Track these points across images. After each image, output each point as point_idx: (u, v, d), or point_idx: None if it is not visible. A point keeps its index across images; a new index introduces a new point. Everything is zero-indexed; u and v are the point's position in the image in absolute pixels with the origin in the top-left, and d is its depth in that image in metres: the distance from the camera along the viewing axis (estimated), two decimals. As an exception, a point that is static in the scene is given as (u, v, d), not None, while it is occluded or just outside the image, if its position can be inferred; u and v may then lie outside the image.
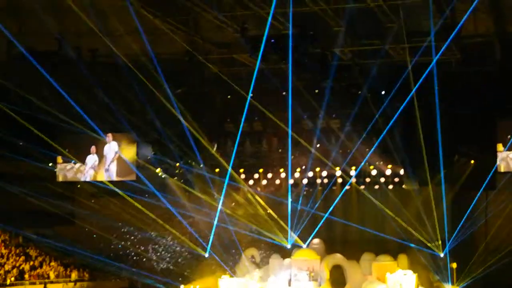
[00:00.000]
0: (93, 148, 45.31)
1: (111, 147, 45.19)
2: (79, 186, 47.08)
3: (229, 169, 43.25)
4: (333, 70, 38.51)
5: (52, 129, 41.35)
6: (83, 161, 45.14)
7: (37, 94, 38.31)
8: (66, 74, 39.17)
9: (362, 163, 43.78)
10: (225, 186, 44.66)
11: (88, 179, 45.21)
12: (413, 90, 37.17)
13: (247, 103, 39.45)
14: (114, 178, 44.56)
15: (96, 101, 40.57)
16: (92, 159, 45.42)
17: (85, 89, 40.09)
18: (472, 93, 37.93)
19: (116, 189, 44.12)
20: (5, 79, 37.00)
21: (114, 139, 44.63)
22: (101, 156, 44.90)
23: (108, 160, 44.97)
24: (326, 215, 44.46)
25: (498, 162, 39.86)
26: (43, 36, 37.92)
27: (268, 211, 45.45)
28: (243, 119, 40.76)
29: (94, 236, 46.19)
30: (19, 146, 41.98)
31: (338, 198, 44.78)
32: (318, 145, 44.39)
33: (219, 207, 44.28)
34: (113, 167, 44.87)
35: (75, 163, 45.28)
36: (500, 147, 39.67)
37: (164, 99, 40.12)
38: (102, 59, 39.34)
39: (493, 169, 40.27)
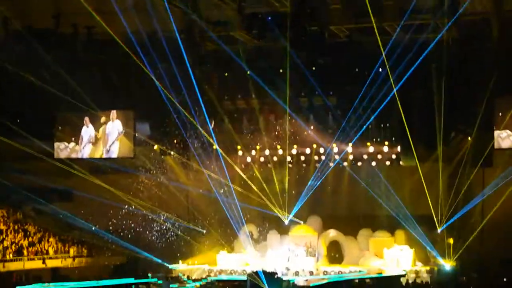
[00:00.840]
0: (86, 120, 45.05)
1: (114, 126, 44.91)
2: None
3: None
4: (330, 47, 38.59)
5: (49, 106, 41.31)
6: (77, 139, 45.19)
7: (34, 71, 38.24)
8: (63, 51, 39.20)
9: (358, 137, 43.87)
10: (223, 163, 44.86)
11: (85, 156, 45.23)
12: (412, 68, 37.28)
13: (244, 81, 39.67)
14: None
15: (93, 78, 40.60)
16: (87, 132, 45.22)
17: (81, 67, 40.10)
18: (469, 70, 37.90)
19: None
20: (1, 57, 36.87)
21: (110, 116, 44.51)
22: (102, 133, 44.77)
23: (110, 140, 44.75)
24: (316, 186, 44.56)
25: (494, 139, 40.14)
26: (40, 14, 37.87)
27: (266, 188, 45.56)
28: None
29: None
30: (17, 124, 41.98)
31: (328, 170, 44.90)
32: (315, 122, 44.43)
33: (218, 183, 44.54)
34: (115, 148, 44.66)
35: (68, 143, 45.27)
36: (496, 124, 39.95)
37: (161, 76, 40.23)
38: (99, 37, 39.29)
39: (490, 146, 40.51)
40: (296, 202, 45.02)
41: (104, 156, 44.53)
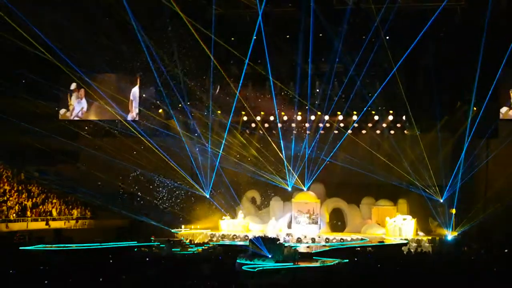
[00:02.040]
0: (81, 92, 45.05)
1: (138, 90, 44.95)
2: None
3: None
4: (337, 14, 38.36)
5: (55, 68, 41.16)
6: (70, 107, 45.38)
7: (40, 31, 38.00)
8: (70, 11, 38.99)
9: (365, 108, 43.78)
10: (227, 128, 44.78)
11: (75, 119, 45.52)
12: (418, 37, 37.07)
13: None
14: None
15: (98, 41, 40.41)
16: (79, 104, 45.21)
17: (87, 29, 39.89)
18: (476, 40, 37.63)
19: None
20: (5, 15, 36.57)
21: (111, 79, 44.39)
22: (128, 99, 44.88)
23: (135, 105, 44.82)
24: (328, 159, 44.58)
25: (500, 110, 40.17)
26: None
27: (270, 154, 45.58)
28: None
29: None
30: (22, 84, 41.95)
31: (340, 142, 44.85)
32: (321, 89, 44.25)
33: (221, 148, 44.52)
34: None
35: (58, 109, 45.29)
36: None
37: (167, 40, 40.10)
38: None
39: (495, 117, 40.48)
40: (300, 169, 45.10)
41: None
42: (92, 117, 45.23)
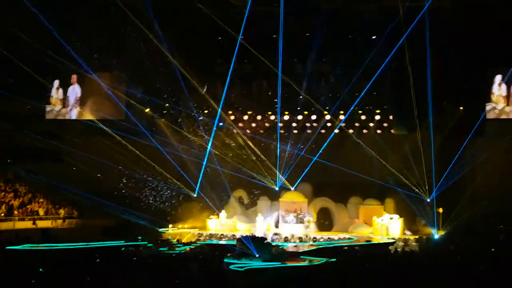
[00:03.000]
0: (73, 78, 44.82)
1: None
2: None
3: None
4: (324, 14, 38.38)
5: (41, 67, 41.03)
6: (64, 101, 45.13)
7: (26, 31, 37.91)
8: (56, 11, 38.87)
9: (351, 107, 43.84)
10: (214, 127, 44.73)
11: (73, 117, 45.26)
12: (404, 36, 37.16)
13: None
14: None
15: (85, 39, 40.33)
16: (73, 92, 45.01)
17: (74, 27, 39.79)
18: (462, 40, 37.77)
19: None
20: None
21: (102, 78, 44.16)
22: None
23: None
24: (315, 158, 44.59)
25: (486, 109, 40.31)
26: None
27: (256, 153, 45.54)
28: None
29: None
30: (8, 83, 41.75)
31: (327, 142, 44.86)
32: (307, 89, 44.25)
33: (208, 148, 44.46)
34: None
35: (55, 105, 45.06)
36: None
37: (155, 39, 40.02)
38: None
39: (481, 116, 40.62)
40: (287, 169, 45.09)
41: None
42: (88, 114, 44.99)
